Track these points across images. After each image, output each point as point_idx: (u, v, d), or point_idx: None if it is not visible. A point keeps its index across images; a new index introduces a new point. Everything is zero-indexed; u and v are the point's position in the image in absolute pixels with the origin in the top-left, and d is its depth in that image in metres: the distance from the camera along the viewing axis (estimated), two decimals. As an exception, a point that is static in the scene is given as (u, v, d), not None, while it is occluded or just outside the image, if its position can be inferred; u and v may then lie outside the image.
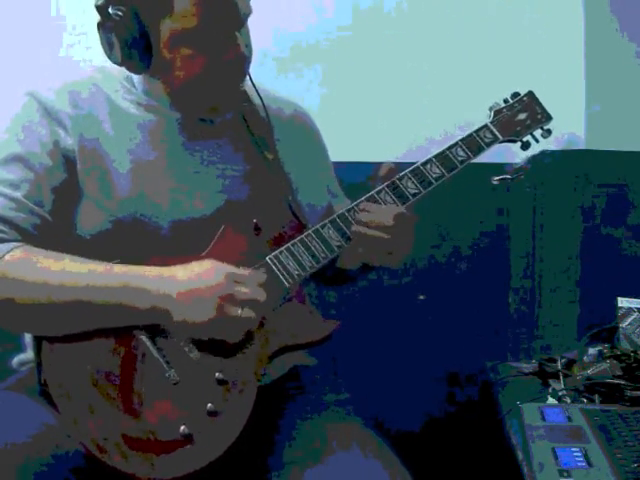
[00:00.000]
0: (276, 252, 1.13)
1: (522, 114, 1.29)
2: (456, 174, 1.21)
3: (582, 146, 1.68)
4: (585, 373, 1.36)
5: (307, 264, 1.14)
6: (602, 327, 1.53)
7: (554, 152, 1.72)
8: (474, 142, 1.24)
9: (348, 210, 1.17)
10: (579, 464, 1.00)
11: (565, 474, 0.98)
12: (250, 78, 1.20)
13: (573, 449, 1.04)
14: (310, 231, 1.16)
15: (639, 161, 1.66)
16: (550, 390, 1.36)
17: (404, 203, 1.18)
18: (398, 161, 1.22)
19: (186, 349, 1.06)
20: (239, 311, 1.04)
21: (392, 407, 1.80)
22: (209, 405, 1.03)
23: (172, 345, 1.06)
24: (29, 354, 1.16)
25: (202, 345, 1.07)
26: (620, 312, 1.49)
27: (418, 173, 1.20)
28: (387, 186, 1.18)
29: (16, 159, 1.09)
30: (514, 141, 1.28)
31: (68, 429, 0.98)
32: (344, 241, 1.16)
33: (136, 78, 1.18)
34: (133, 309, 1.04)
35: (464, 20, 1.82)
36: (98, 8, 1.09)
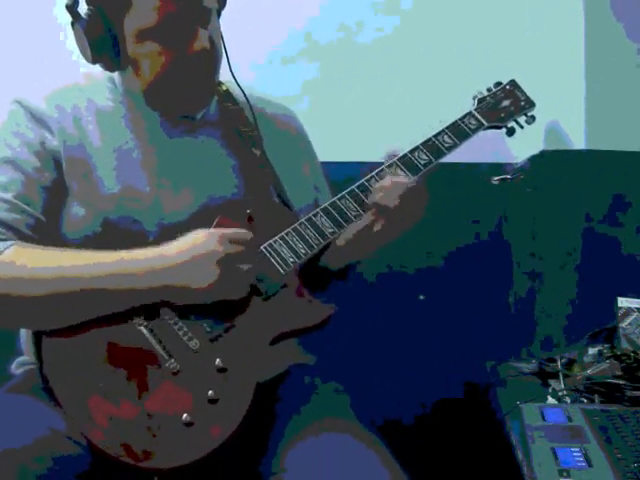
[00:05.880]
0: (270, 241, 1.16)
1: (505, 101, 1.32)
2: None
3: (582, 146, 1.68)
4: (585, 373, 1.36)
5: (301, 251, 1.16)
6: (602, 327, 1.54)
7: (554, 152, 1.72)
8: (460, 128, 1.26)
9: (339, 198, 1.19)
10: (579, 464, 1.00)
11: (565, 474, 0.98)
12: (233, 76, 1.24)
13: (573, 449, 1.04)
14: (303, 220, 1.18)
15: (639, 161, 1.66)
16: (550, 390, 1.36)
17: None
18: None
19: (185, 338, 1.07)
20: (239, 268, 1.08)
21: (391, 407, 1.80)
22: (210, 392, 1.03)
23: (171, 335, 1.07)
24: (27, 357, 1.17)
25: (201, 333, 1.08)
26: (620, 312, 1.49)
27: (406, 161, 1.22)
28: (376, 174, 1.20)
29: (5, 162, 1.12)
30: (499, 127, 1.31)
31: (70, 423, 0.98)
32: (337, 228, 1.19)
33: (117, 78, 1.21)
34: (132, 290, 1.05)
35: (463, 19, 1.82)
36: (67, 7, 1.12)
